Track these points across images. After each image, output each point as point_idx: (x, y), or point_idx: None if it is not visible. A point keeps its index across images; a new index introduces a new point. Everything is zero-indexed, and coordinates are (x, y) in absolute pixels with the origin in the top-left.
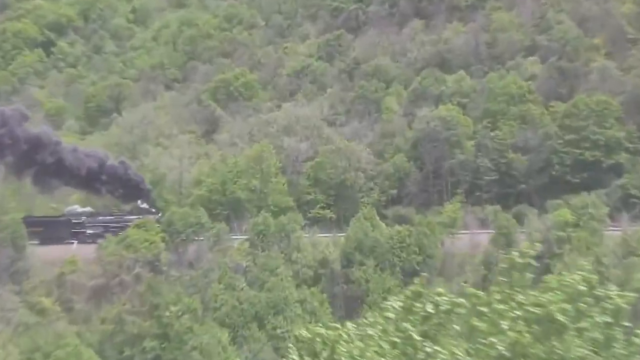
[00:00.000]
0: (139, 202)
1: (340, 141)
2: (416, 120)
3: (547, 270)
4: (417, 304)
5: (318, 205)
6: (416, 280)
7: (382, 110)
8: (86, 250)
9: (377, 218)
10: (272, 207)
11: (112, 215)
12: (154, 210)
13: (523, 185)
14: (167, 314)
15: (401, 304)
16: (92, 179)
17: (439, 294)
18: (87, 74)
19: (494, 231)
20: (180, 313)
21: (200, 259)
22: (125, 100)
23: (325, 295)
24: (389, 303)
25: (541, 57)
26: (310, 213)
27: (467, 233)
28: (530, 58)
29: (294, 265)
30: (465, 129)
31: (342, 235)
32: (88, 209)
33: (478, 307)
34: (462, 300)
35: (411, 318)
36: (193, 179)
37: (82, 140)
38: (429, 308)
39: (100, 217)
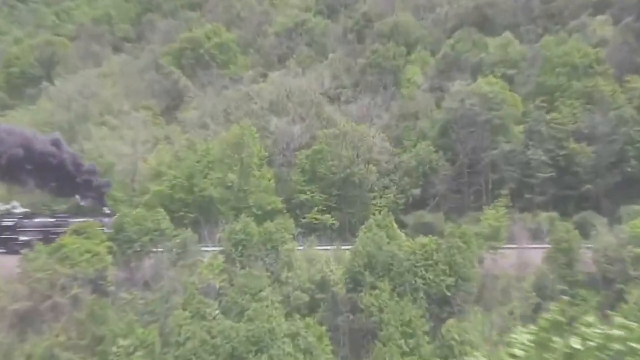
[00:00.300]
0: (78, 197)
1: (345, 123)
2: (447, 97)
3: (619, 297)
4: (556, 338)
5: (315, 208)
6: (517, 304)
7: (402, 83)
8: (11, 262)
9: (395, 226)
10: (254, 209)
11: (54, 217)
12: (108, 210)
13: (588, 186)
14: (115, 349)
15: (532, 337)
16: (15, 168)
17: (587, 324)
18: (8, 29)
19: (549, 246)
20: (131, 349)
21: (159, 277)
22: (59, 65)
23: (324, 327)
24: (513, 336)
25: (613, 17)
26: (304, 218)
27: (513, 248)
28: (599, 17)
29: (284, 287)
30: (513, 110)
31: (347, 249)
32: (21, 209)
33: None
34: (618, 332)
35: (548, 357)
36: (150, 170)
37: (1, 116)
38: (575, 343)
39: (38, 219)
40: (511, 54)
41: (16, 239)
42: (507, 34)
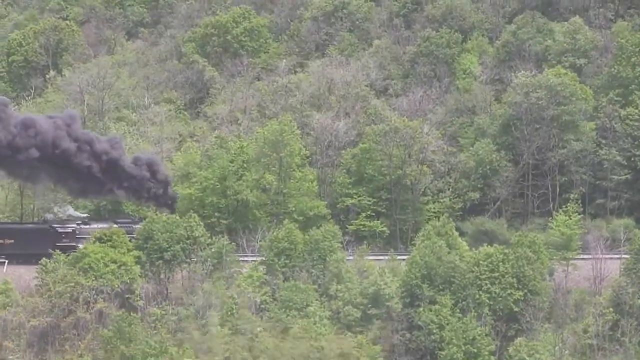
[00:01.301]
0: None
1: (396, 119)
2: (509, 90)
3: None
4: None
5: (363, 214)
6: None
7: (457, 74)
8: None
9: (456, 234)
10: (295, 215)
11: (116, 223)
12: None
13: None
14: None
15: None
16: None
17: None
18: (7, 11)
19: (627, 256)
20: None
21: (193, 290)
22: (67, 53)
23: (378, 347)
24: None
25: None
26: (351, 224)
27: (588, 258)
28: None
29: (333, 301)
30: (583, 104)
31: (403, 259)
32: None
33: None
34: None
35: None
36: (177, 171)
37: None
38: None
39: (98, 225)
40: (580, 42)
41: (74, 247)
42: (576, 19)
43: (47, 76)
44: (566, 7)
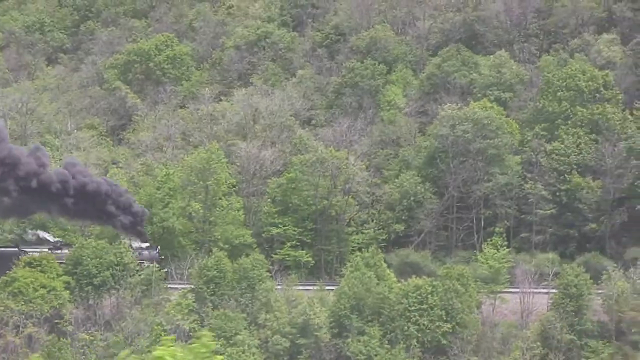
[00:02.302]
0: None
1: (323, 150)
2: (435, 123)
3: (635, 349)
4: None
5: (289, 243)
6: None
7: (382, 106)
8: None
9: (384, 265)
10: (221, 243)
11: None
12: (145, 245)
13: (592, 225)
14: None
15: None
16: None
17: None
18: None
19: (555, 290)
20: None
21: (122, 316)
22: None
23: None
24: None
25: (621, 35)
26: (276, 254)
27: (515, 292)
28: (605, 35)
29: (262, 330)
30: (509, 138)
31: (331, 289)
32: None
33: None
34: None
35: None
36: None
37: None
38: None
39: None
40: (506, 75)
41: None
42: (502, 53)
43: None
44: (491, 40)
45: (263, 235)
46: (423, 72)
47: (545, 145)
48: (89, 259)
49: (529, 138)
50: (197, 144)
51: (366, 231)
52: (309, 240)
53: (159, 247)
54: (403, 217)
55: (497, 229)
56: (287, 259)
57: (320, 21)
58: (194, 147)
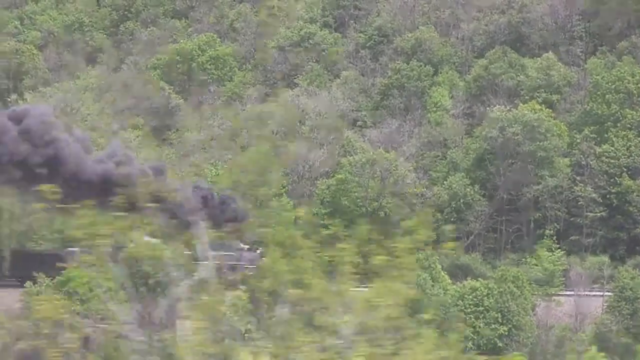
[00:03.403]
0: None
1: (373, 151)
2: (484, 125)
3: None
4: None
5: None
6: None
7: (429, 107)
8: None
9: (440, 267)
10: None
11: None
12: (246, 247)
13: None
14: None
15: None
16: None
17: None
18: None
19: (610, 293)
20: None
21: (177, 315)
22: (27, 77)
23: None
24: None
25: None
26: (326, 256)
27: (570, 295)
28: None
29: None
30: (558, 141)
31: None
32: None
33: None
34: None
35: None
36: None
37: None
38: None
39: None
40: (554, 78)
41: None
42: (549, 55)
43: (9, 100)
44: (536, 43)
45: (313, 236)
46: (469, 74)
47: (595, 148)
48: (145, 259)
49: (578, 140)
50: (245, 145)
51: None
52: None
53: (260, 249)
54: (452, 219)
55: (547, 232)
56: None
57: (362, 22)
58: (241, 147)
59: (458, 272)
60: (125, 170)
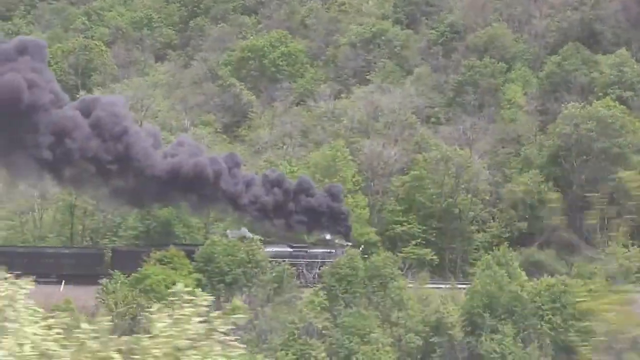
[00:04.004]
0: (325, 235)
1: (447, 148)
2: (558, 121)
3: None
4: None
5: (413, 242)
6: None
7: (502, 104)
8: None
9: (516, 264)
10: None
11: (291, 247)
12: (348, 244)
13: None
14: None
15: None
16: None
17: None
18: (29, 30)
19: None
20: None
21: (254, 314)
22: (96, 73)
23: None
24: None
25: None
26: (401, 252)
27: None
28: None
29: (395, 328)
30: (632, 137)
31: (463, 287)
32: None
33: None
34: None
35: None
36: None
37: None
38: None
39: (273, 249)
40: (627, 74)
41: None
42: (622, 51)
43: (77, 96)
44: (609, 39)
45: (387, 233)
46: (542, 71)
47: None
48: (220, 257)
49: None
50: (318, 142)
51: (489, 230)
52: (433, 239)
53: (362, 246)
54: (526, 216)
55: (622, 228)
56: (412, 257)
57: (434, 19)
58: (315, 144)
59: (532, 268)
60: (195, 162)
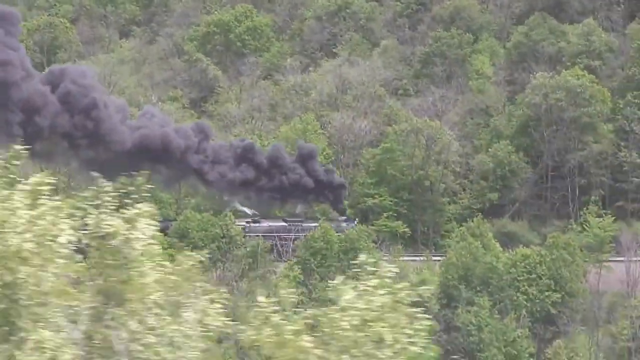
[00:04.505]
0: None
1: (418, 120)
2: (527, 91)
3: None
4: None
5: (385, 214)
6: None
7: (470, 75)
8: None
9: (491, 235)
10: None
11: (285, 222)
12: (343, 218)
13: None
14: None
15: None
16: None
17: None
18: None
19: None
20: None
21: (229, 289)
22: (62, 51)
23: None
24: None
25: None
26: (372, 225)
27: (621, 261)
28: None
29: None
30: (602, 106)
31: (438, 260)
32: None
33: None
34: None
35: None
36: None
37: None
38: None
39: (267, 224)
40: (595, 44)
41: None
42: (590, 21)
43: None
44: (575, 9)
45: (358, 206)
46: (508, 41)
47: (639, 113)
48: (194, 232)
49: (621, 106)
50: (287, 115)
51: (460, 201)
52: (404, 211)
53: (357, 219)
54: (497, 187)
55: (592, 198)
56: (384, 230)
57: None
58: (284, 118)
59: (504, 239)
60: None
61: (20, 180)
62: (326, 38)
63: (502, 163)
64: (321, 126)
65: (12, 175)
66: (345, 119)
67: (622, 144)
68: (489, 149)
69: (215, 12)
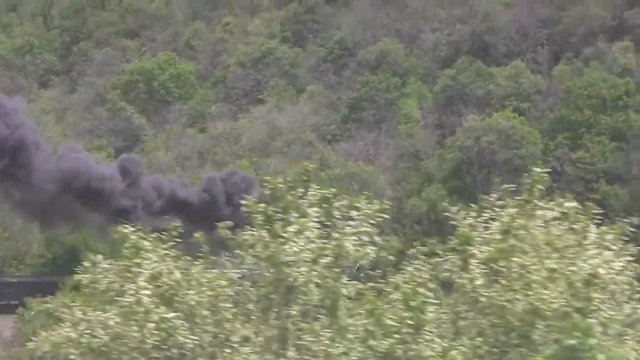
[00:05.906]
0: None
1: (350, 165)
2: (458, 134)
3: None
4: None
5: None
6: None
7: (399, 119)
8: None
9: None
10: None
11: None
12: None
13: None
14: None
15: None
16: None
17: None
18: None
19: None
20: None
21: None
22: None
23: None
24: None
25: (635, 42)
26: None
27: None
28: (619, 43)
29: None
30: (533, 148)
31: None
32: None
33: None
34: None
35: None
36: None
37: None
38: None
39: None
40: (524, 85)
41: None
42: (518, 63)
43: None
44: (500, 51)
45: None
46: (435, 85)
47: (570, 154)
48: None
49: (552, 147)
50: (219, 162)
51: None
52: None
53: None
54: (431, 231)
55: None
56: None
57: (322, 37)
58: (216, 165)
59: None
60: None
61: None
62: (250, 85)
63: (436, 207)
64: (255, 173)
65: None
66: (277, 165)
67: (555, 185)
68: (422, 193)
69: (136, 61)
